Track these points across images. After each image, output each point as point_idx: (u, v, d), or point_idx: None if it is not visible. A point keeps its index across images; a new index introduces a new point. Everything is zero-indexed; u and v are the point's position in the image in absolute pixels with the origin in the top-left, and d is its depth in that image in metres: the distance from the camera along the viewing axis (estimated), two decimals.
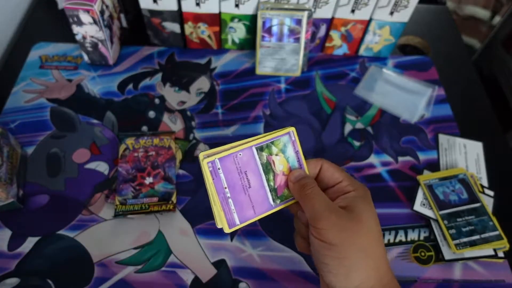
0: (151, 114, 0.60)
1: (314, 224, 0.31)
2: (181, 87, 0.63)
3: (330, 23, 0.64)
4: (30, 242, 0.48)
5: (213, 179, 0.32)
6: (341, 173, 0.35)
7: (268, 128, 0.59)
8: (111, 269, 0.46)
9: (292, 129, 0.34)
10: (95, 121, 0.59)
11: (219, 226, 0.33)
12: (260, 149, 0.33)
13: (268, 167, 0.34)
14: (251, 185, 0.33)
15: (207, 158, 0.31)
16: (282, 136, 0.34)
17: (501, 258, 0.48)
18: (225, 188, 0.32)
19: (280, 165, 0.34)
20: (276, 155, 0.34)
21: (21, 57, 0.66)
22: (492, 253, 0.48)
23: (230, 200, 0.33)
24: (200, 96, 0.62)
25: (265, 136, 0.34)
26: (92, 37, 0.60)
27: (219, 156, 0.32)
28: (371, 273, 0.31)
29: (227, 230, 0.33)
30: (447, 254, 0.48)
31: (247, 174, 0.33)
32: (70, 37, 0.63)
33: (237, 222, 0.33)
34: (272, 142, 0.34)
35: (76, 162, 0.55)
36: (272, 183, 0.34)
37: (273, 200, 0.34)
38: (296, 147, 0.34)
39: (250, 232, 0.50)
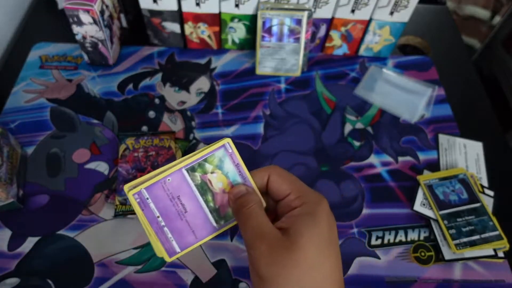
0: (151, 114, 0.60)
1: (247, 250, 0.28)
2: (181, 87, 0.63)
3: (330, 23, 0.64)
4: (30, 242, 0.48)
5: (143, 210, 0.30)
6: (290, 184, 0.30)
7: (268, 128, 0.59)
8: (111, 269, 0.46)
9: (227, 141, 0.31)
10: (95, 121, 0.59)
11: (159, 256, 0.31)
12: (191, 169, 0.30)
13: (204, 188, 0.31)
14: (187, 209, 0.31)
15: (132, 190, 0.29)
16: (216, 150, 0.31)
17: (501, 258, 0.48)
18: (158, 217, 0.30)
19: (218, 182, 0.31)
20: (212, 172, 0.31)
21: (21, 57, 0.66)
22: (492, 253, 0.48)
23: (165, 228, 0.30)
24: (200, 96, 0.62)
25: (195, 155, 0.31)
26: (92, 37, 0.60)
27: (144, 185, 0.30)
28: None
29: (167, 259, 0.31)
30: (447, 254, 0.48)
31: (181, 198, 0.31)
32: (70, 37, 0.63)
33: (177, 249, 0.31)
34: (205, 160, 0.31)
35: (76, 162, 0.55)
36: (212, 204, 0.31)
37: (216, 222, 0.31)
38: (235, 160, 0.31)
39: None
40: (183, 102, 0.62)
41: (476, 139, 0.59)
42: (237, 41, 0.67)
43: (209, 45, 0.68)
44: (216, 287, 0.46)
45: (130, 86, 0.63)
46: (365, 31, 0.65)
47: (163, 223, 0.30)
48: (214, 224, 0.31)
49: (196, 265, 0.47)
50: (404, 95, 0.63)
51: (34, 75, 0.63)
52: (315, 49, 0.69)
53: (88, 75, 0.64)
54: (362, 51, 0.68)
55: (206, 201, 0.31)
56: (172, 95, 0.62)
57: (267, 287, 0.26)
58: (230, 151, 0.31)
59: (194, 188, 0.31)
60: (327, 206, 0.29)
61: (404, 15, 0.61)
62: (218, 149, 0.31)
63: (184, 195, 0.31)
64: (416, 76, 0.66)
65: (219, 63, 0.67)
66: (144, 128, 0.58)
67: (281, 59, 0.63)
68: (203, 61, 0.67)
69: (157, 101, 0.62)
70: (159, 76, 0.64)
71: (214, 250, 0.48)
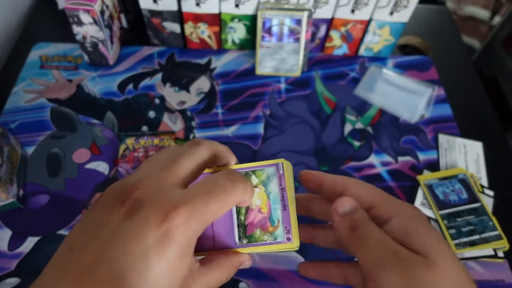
0: (151, 114, 0.60)
1: (369, 276, 0.24)
2: (181, 87, 0.63)
3: (330, 23, 0.64)
4: (30, 242, 0.48)
5: None
6: (374, 195, 0.26)
7: (268, 128, 0.59)
8: None
9: (282, 161, 0.28)
10: (95, 121, 0.59)
11: None
12: None
13: None
14: None
15: None
16: (267, 166, 0.29)
17: (500, 258, 0.48)
18: None
19: (258, 199, 0.28)
20: (256, 186, 0.28)
21: (22, 57, 0.66)
22: (492, 253, 0.48)
23: None
24: (200, 96, 0.62)
25: (249, 163, 0.29)
26: (92, 37, 0.60)
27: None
28: None
29: None
30: None
31: None
32: (70, 37, 0.63)
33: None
34: (253, 171, 0.29)
35: (76, 162, 0.55)
36: (242, 218, 0.28)
37: (239, 239, 0.28)
38: (282, 183, 0.28)
39: None
40: (183, 102, 0.62)
41: (476, 139, 0.59)
42: (237, 41, 0.67)
43: (209, 45, 0.68)
44: (216, 287, 0.46)
45: (130, 86, 0.63)
46: (365, 31, 0.65)
47: None
48: (236, 239, 0.28)
49: None
50: (404, 95, 0.63)
51: (34, 75, 0.64)
52: (315, 49, 0.69)
53: (88, 75, 0.64)
54: (362, 51, 0.68)
55: (238, 213, 0.29)
56: (172, 95, 0.62)
57: None
58: (281, 172, 0.29)
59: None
60: (417, 212, 0.26)
61: (404, 15, 0.61)
62: (270, 166, 0.29)
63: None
64: (416, 76, 0.66)
65: (219, 63, 0.67)
66: (144, 128, 0.59)
67: (281, 59, 0.63)
68: (203, 61, 0.67)
69: (157, 101, 0.62)
70: (159, 76, 0.64)
71: None
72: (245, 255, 0.28)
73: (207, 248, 0.28)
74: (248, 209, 0.28)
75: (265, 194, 0.28)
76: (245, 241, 0.28)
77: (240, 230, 0.28)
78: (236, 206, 0.28)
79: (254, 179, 0.29)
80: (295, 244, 0.27)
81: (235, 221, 0.28)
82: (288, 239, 0.27)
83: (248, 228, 0.28)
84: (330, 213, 0.27)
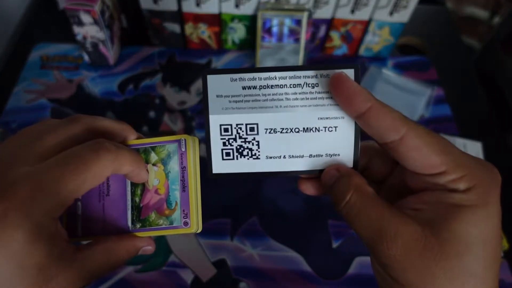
0: (152, 114, 0.60)
1: (369, 251, 0.21)
2: (182, 87, 0.64)
3: (330, 23, 0.64)
4: None
5: None
6: (446, 155, 0.20)
7: None
8: None
9: (184, 137, 0.25)
10: None
11: None
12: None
13: None
14: (110, 193, 0.26)
15: None
16: (169, 143, 0.25)
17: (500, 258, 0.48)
18: None
19: (155, 179, 0.25)
20: (154, 164, 0.25)
21: (22, 57, 0.66)
22: None
23: (79, 203, 0.26)
24: (200, 96, 0.63)
25: (149, 138, 0.26)
26: (92, 37, 0.60)
27: None
28: None
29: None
30: None
31: (109, 178, 0.26)
32: (70, 38, 0.63)
33: (79, 233, 0.25)
34: (153, 148, 0.25)
35: None
36: (137, 199, 0.25)
37: (132, 222, 0.25)
38: (184, 162, 0.25)
39: (250, 232, 0.50)
40: (183, 102, 0.62)
41: (475, 139, 0.59)
42: (237, 41, 0.67)
43: (209, 46, 0.68)
44: (216, 287, 0.46)
45: (131, 86, 0.63)
46: (364, 32, 0.65)
47: (79, 197, 0.26)
48: (129, 223, 0.25)
49: (196, 265, 0.47)
50: (403, 95, 0.63)
51: (35, 75, 0.64)
52: (315, 50, 0.69)
53: (89, 75, 0.64)
54: (361, 52, 0.68)
55: (133, 193, 0.26)
56: (173, 95, 0.62)
57: None
58: (182, 150, 0.25)
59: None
60: (499, 188, 0.20)
61: (403, 16, 0.61)
62: (172, 142, 0.25)
63: (114, 176, 0.26)
64: (416, 76, 0.66)
65: (219, 63, 0.67)
66: (145, 128, 0.59)
67: (281, 59, 0.63)
68: (203, 61, 0.67)
69: (157, 101, 0.62)
70: (159, 76, 0.65)
71: (214, 250, 0.48)
72: (143, 239, 0.25)
73: (96, 232, 0.25)
74: (144, 189, 0.25)
75: (163, 173, 0.25)
76: (138, 225, 0.25)
77: (134, 213, 0.25)
78: (131, 186, 0.26)
79: (154, 156, 0.26)
80: (193, 228, 0.25)
81: (129, 203, 0.25)
82: (186, 223, 0.25)
83: (143, 211, 0.25)
84: (390, 172, 0.23)
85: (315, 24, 0.64)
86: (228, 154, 0.24)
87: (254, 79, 0.23)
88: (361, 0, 0.60)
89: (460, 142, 0.59)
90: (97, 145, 0.22)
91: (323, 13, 0.62)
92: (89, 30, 0.58)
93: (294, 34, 0.60)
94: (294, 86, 0.23)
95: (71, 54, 0.66)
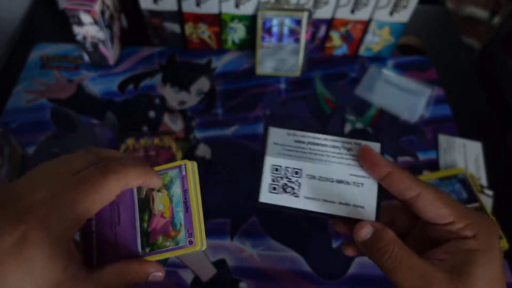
0: (152, 114, 0.60)
1: None
2: (182, 87, 0.63)
3: (329, 23, 0.64)
4: None
5: None
6: (452, 209, 0.25)
7: None
8: None
9: (184, 162, 0.27)
10: (95, 121, 0.59)
11: None
12: None
13: (145, 204, 0.27)
14: (120, 222, 0.27)
15: None
16: (171, 169, 0.28)
17: None
18: (92, 219, 0.27)
19: (160, 204, 0.27)
20: (159, 191, 0.27)
21: (22, 57, 0.66)
22: None
23: (94, 234, 0.27)
24: (201, 96, 0.63)
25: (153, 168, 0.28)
26: (92, 37, 0.60)
27: None
28: None
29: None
30: None
31: (120, 207, 0.27)
32: (70, 38, 0.63)
33: (94, 262, 0.27)
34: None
35: None
36: (145, 225, 0.27)
37: (142, 247, 0.27)
38: (185, 185, 0.27)
39: (250, 232, 0.50)
40: (183, 102, 0.62)
41: (475, 139, 0.59)
42: (237, 41, 0.67)
43: (209, 46, 0.68)
44: (216, 287, 0.46)
45: (131, 86, 0.63)
46: (364, 32, 0.65)
47: (94, 228, 0.27)
48: (139, 248, 0.27)
49: (196, 265, 0.47)
50: (403, 95, 0.63)
51: (35, 75, 0.64)
52: (315, 50, 0.69)
53: (89, 75, 0.64)
54: (362, 52, 0.68)
55: (141, 219, 0.27)
56: (173, 95, 0.62)
57: None
58: (183, 174, 0.27)
59: (136, 201, 0.28)
60: (498, 234, 0.25)
61: (403, 16, 0.61)
62: (173, 168, 0.28)
63: (124, 204, 0.28)
64: (416, 76, 0.66)
65: (219, 63, 0.67)
66: (145, 128, 0.59)
67: (281, 59, 0.63)
68: (203, 61, 0.67)
69: (157, 101, 0.62)
70: (159, 76, 0.65)
71: (214, 250, 0.48)
72: (153, 264, 0.26)
73: (109, 260, 0.26)
74: (151, 215, 0.27)
75: (167, 197, 0.27)
76: (148, 249, 0.27)
77: (143, 238, 0.27)
78: (139, 213, 0.27)
79: None
80: (197, 247, 0.26)
81: (138, 229, 0.27)
82: (191, 242, 0.26)
83: (151, 235, 0.27)
84: (412, 226, 0.28)
85: (315, 24, 0.64)
86: (274, 188, 0.29)
87: (304, 136, 0.30)
88: (361, 0, 0.60)
89: (460, 142, 0.59)
90: (105, 167, 0.24)
91: (323, 13, 0.62)
92: (89, 30, 0.58)
93: (294, 34, 0.60)
94: (334, 147, 0.29)
95: (71, 54, 0.66)
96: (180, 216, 0.27)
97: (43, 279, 0.20)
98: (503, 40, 0.86)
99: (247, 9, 0.61)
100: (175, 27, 0.65)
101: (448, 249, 0.25)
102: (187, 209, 0.27)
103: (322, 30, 0.65)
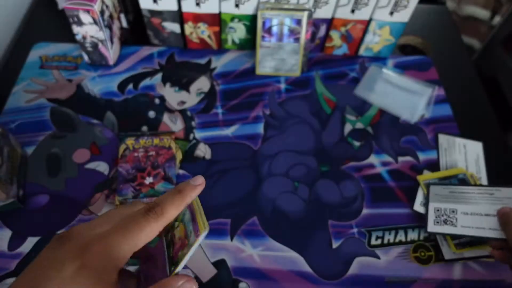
0: (151, 114, 0.60)
1: None
2: (181, 87, 0.63)
3: (330, 23, 0.64)
4: (30, 242, 0.48)
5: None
6: None
7: (268, 128, 0.59)
8: None
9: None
10: (95, 121, 0.59)
11: None
12: (165, 232, 0.32)
13: (169, 244, 0.31)
14: (158, 266, 0.32)
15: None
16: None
17: None
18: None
19: (179, 234, 0.31)
20: (177, 227, 0.31)
21: (21, 57, 0.66)
22: None
23: (141, 274, 0.33)
24: (200, 96, 0.62)
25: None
26: (92, 37, 0.60)
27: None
28: None
29: None
30: (447, 254, 0.48)
31: (156, 257, 0.33)
32: (70, 37, 0.63)
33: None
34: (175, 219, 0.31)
35: (76, 162, 0.55)
36: (170, 251, 0.31)
37: (169, 270, 0.30)
38: (190, 206, 0.31)
39: (250, 232, 0.50)
40: (183, 102, 0.62)
41: (476, 139, 0.59)
42: (237, 41, 0.67)
43: (209, 45, 0.68)
44: (216, 287, 0.46)
45: (130, 86, 0.63)
46: (365, 31, 0.65)
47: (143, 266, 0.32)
48: (168, 273, 0.30)
49: (196, 265, 0.47)
50: (404, 95, 0.63)
51: (34, 75, 0.63)
52: (315, 49, 0.69)
53: (88, 75, 0.64)
54: (362, 51, 0.68)
55: (167, 249, 0.31)
56: (172, 95, 0.62)
57: None
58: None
59: (165, 245, 0.32)
60: None
61: (404, 15, 0.61)
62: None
63: (159, 254, 0.32)
64: (416, 76, 0.66)
65: (219, 63, 0.67)
66: (144, 128, 0.59)
67: (281, 59, 0.63)
68: (203, 61, 0.67)
69: (157, 101, 0.62)
70: (159, 76, 0.64)
71: (214, 250, 0.48)
72: (179, 277, 0.28)
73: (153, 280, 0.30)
74: (173, 242, 0.31)
75: (182, 224, 0.31)
76: (172, 268, 0.30)
77: (170, 262, 0.30)
78: (168, 249, 0.31)
79: (176, 224, 0.32)
80: (202, 234, 0.29)
81: (166, 257, 0.31)
82: (197, 235, 0.29)
83: (174, 258, 0.30)
84: None
85: (315, 24, 0.64)
86: (437, 222, 0.48)
87: (456, 188, 0.49)
88: (361, 0, 0.59)
89: (460, 142, 0.59)
90: (147, 213, 0.28)
91: (323, 12, 0.62)
92: (88, 29, 0.58)
93: (294, 34, 0.60)
94: (479, 193, 0.48)
95: (70, 54, 0.66)
96: (190, 226, 0.30)
97: None
98: (503, 40, 0.86)
99: (247, 8, 0.61)
100: (175, 27, 0.65)
101: None
102: (193, 216, 0.30)
103: (322, 30, 0.65)
